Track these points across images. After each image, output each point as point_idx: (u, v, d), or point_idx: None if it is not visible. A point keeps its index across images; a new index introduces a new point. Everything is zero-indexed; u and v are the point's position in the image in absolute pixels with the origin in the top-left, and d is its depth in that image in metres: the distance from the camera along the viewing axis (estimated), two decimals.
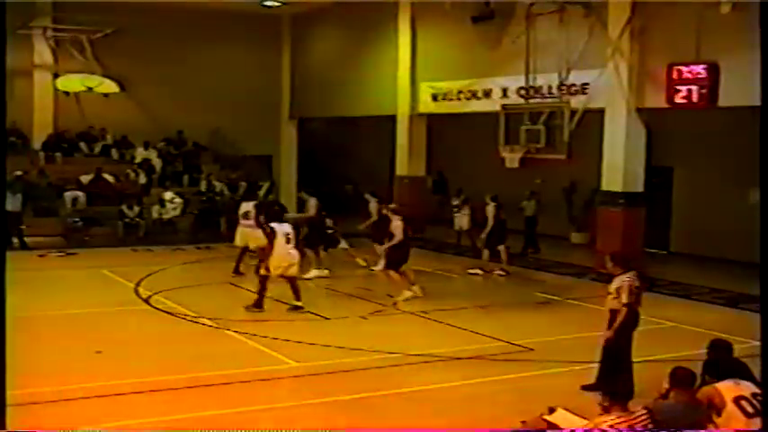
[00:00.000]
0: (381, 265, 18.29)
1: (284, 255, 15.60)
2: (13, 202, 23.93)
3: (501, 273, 20.67)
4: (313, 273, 19.48)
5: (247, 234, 19.41)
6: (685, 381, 7.61)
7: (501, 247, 20.66)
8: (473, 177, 27.14)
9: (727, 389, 7.53)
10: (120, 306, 16.44)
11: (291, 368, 12.23)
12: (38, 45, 29.71)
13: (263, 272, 15.74)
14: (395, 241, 17.20)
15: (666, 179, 24.22)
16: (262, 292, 15.73)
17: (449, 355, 12.92)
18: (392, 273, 17.35)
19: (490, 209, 20.52)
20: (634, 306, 10.75)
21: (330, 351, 13.04)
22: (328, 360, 12.51)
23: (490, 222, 20.46)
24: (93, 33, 28.87)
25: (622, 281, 10.76)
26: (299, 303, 15.80)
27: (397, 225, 17.31)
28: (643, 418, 6.95)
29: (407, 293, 17.17)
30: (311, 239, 19.96)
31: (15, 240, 23.51)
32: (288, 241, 15.67)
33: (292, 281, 15.92)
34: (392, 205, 19.03)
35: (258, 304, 15.66)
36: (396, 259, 17.27)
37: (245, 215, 19.82)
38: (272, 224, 15.91)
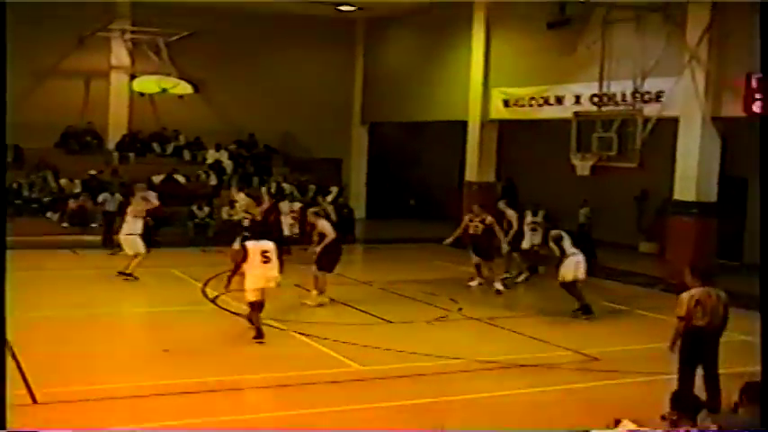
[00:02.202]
0: (313, 267, 17.09)
1: (258, 275, 13.79)
2: (111, 203, 24.33)
3: (500, 286, 19.29)
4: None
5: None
6: (757, 396, 7.41)
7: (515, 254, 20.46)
8: (543, 184, 26.93)
9: None
10: (188, 306, 16.64)
11: (355, 371, 12.24)
12: (115, 47, 30.20)
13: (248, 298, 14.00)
14: (327, 241, 16.77)
15: (741, 190, 23.73)
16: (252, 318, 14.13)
17: (513, 363, 12.80)
18: (321, 274, 16.92)
19: (511, 213, 20.20)
20: (691, 321, 10.47)
21: (394, 355, 13.04)
22: (392, 364, 12.53)
23: (515, 227, 20.01)
24: (170, 36, 29.21)
25: (685, 294, 10.56)
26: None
27: (323, 225, 17.03)
28: None
29: (323, 299, 16.91)
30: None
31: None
32: (265, 260, 13.79)
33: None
34: (315, 209, 18.48)
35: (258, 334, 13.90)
36: (329, 260, 16.94)
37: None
38: (248, 243, 14.14)
